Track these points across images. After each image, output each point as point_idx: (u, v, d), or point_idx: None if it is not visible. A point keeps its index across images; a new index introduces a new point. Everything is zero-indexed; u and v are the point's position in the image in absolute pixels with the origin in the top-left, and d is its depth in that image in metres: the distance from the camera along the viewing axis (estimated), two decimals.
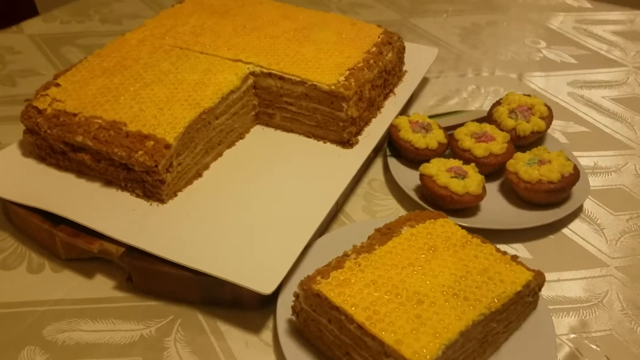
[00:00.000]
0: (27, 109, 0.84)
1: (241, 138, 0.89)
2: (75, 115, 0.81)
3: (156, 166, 0.76)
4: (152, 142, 0.77)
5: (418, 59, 1.11)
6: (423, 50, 1.15)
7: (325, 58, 0.92)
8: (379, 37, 1.00)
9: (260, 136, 0.90)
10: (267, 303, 0.72)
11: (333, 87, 0.85)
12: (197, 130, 0.82)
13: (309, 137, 0.89)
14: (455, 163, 0.88)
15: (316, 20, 1.03)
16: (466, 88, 1.19)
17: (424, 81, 1.18)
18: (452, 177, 0.84)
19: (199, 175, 0.85)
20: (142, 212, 0.78)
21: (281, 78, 0.87)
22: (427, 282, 0.63)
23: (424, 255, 0.67)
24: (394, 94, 1.03)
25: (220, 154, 0.89)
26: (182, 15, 1.04)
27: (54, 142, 0.82)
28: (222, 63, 0.89)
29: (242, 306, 0.73)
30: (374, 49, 0.94)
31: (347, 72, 0.87)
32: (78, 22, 1.33)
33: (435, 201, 0.85)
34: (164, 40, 0.96)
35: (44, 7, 1.43)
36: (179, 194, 0.82)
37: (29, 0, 1.54)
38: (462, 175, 0.85)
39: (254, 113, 0.93)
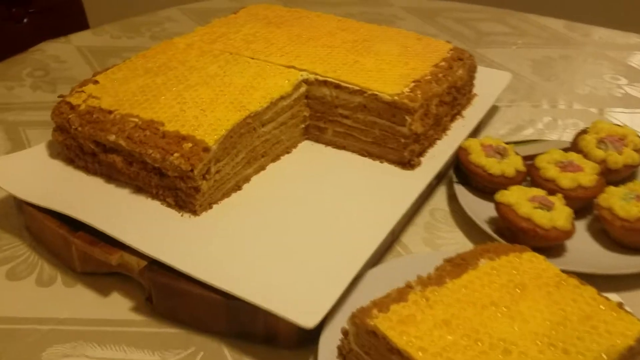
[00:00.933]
0: (59, 105, 0.77)
1: (287, 152, 0.79)
2: (110, 112, 0.73)
3: (192, 170, 0.66)
4: (190, 144, 0.67)
5: (489, 83, 1.00)
6: (494, 74, 1.04)
7: (388, 69, 0.82)
8: (448, 52, 0.90)
9: (309, 152, 0.80)
10: (306, 341, 0.59)
11: (396, 97, 0.74)
12: (241, 136, 0.72)
13: (363, 155, 0.78)
14: (539, 192, 0.74)
15: (378, 33, 0.94)
16: (541, 119, 1.06)
17: (494, 109, 1.06)
18: (535, 208, 0.71)
19: (238, 187, 0.74)
20: (171, 223, 0.68)
21: (337, 87, 0.77)
22: (516, 328, 0.50)
23: (509, 295, 0.53)
24: (462, 117, 0.92)
25: (263, 167, 0.78)
26: (235, 24, 0.97)
27: (84, 142, 0.74)
28: (273, 69, 0.80)
29: (277, 342, 0.60)
30: (443, 63, 0.84)
31: (413, 84, 0.76)
32: (128, 37, 1.29)
33: (515, 235, 0.71)
34: (214, 45, 0.89)
35: (96, 23, 1.40)
36: (215, 206, 0.71)
37: (81, 15, 1.54)
38: (548, 207, 0.71)
39: (303, 126, 0.82)
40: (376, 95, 0.75)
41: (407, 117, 0.75)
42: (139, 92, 0.76)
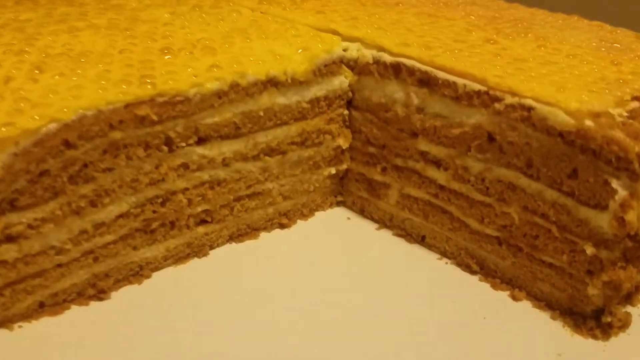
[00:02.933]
0: None
1: (282, 226, 0.35)
2: None
3: None
4: None
5: None
6: None
7: (573, 65, 0.34)
8: None
9: (337, 233, 0.42)
10: None
11: (590, 122, 0.22)
12: (117, 153, 0.28)
13: (471, 270, 0.31)
14: None
15: (550, 19, 0.46)
16: None
17: None
18: None
19: (97, 294, 0.30)
20: None
21: (426, 81, 0.29)
22: None
23: None
24: None
25: (200, 251, 0.34)
26: None
27: None
28: (284, 26, 0.39)
29: None
30: None
31: (635, 103, 0.24)
32: None
33: None
34: None
35: None
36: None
37: None
38: None
39: (333, 171, 0.36)
40: (531, 108, 0.25)
41: (614, 183, 0.23)
42: None
